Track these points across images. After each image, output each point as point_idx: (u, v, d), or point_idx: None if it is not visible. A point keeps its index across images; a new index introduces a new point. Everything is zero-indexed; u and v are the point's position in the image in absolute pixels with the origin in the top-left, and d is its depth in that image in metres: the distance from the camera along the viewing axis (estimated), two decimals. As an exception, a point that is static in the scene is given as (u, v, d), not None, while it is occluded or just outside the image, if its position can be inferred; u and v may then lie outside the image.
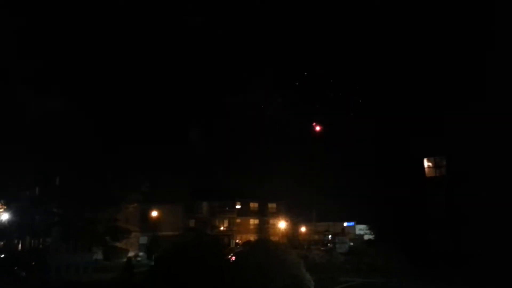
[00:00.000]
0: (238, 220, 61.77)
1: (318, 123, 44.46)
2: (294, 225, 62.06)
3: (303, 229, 65.64)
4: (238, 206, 62.27)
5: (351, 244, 54.78)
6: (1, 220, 45.64)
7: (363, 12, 39.74)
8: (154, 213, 51.51)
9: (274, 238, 57.84)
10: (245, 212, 62.33)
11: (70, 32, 43.73)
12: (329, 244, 57.69)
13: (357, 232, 65.61)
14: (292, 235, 60.42)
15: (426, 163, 34.80)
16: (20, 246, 49.46)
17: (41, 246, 42.10)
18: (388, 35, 38.33)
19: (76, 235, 38.19)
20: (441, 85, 34.41)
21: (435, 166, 34.38)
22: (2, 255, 39.88)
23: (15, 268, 31.42)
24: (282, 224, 60.21)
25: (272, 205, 63.38)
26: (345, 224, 71.42)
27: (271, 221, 61.63)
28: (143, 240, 48.08)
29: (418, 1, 36.35)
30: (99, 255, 39.13)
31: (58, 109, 38.67)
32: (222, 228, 60.49)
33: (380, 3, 36.66)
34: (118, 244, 42.15)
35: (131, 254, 39.43)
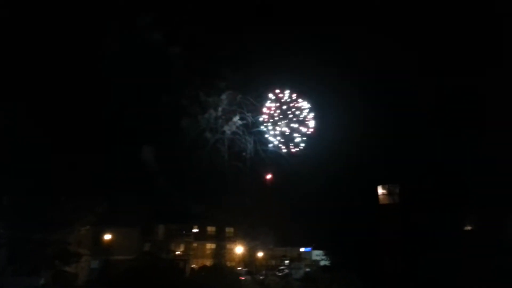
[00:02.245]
0: (194, 244, 60.75)
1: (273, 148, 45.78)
2: (251, 250, 61.78)
3: (260, 254, 65.39)
4: (195, 230, 61.42)
5: (307, 270, 55.06)
6: None
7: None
8: (108, 236, 49.97)
9: (231, 263, 57.38)
10: (202, 236, 61.45)
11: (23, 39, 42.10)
12: (285, 270, 57.69)
13: (314, 257, 65.98)
14: (249, 260, 60.07)
15: (380, 190, 35.86)
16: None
17: (-16, 269, 39.83)
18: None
19: (23, 257, 36.48)
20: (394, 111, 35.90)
21: (389, 193, 35.49)
22: None
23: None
24: (239, 249, 59.81)
25: (229, 230, 62.85)
26: (302, 249, 71.65)
27: (228, 246, 61.02)
28: (95, 264, 46.40)
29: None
30: (46, 280, 37.50)
31: (8, 122, 37.39)
32: (178, 252, 59.32)
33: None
34: (67, 268, 40.53)
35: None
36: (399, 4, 39.65)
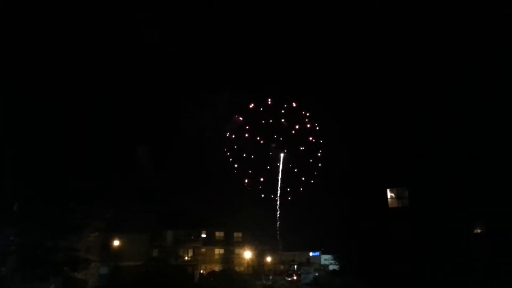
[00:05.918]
0: (203, 250, 60.84)
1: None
2: (260, 254, 61.72)
3: (268, 258, 65.28)
4: (203, 235, 61.50)
5: (316, 274, 54.85)
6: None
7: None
8: (117, 242, 50.18)
9: (240, 268, 57.30)
10: (211, 241, 61.53)
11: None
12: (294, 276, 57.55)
13: (323, 262, 65.84)
14: (257, 265, 59.98)
15: (388, 194, 35.56)
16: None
17: (-6, 276, 40.10)
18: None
19: (34, 264, 36.65)
20: (402, 117, 35.66)
21: (398, 197, 35.18)
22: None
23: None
24: (247, 254, 59.74)
25: (238, 234, 62.87)
26: (311, 254, 71.50)
27: (237, 251, 61.01)
28: (104, 270, 46.59)
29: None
30: (56, 286, 37.64)
31: (17, 130, 37.61)
32: (186, 257, 59.40)
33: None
34: (77, 275, 40.68)
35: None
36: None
